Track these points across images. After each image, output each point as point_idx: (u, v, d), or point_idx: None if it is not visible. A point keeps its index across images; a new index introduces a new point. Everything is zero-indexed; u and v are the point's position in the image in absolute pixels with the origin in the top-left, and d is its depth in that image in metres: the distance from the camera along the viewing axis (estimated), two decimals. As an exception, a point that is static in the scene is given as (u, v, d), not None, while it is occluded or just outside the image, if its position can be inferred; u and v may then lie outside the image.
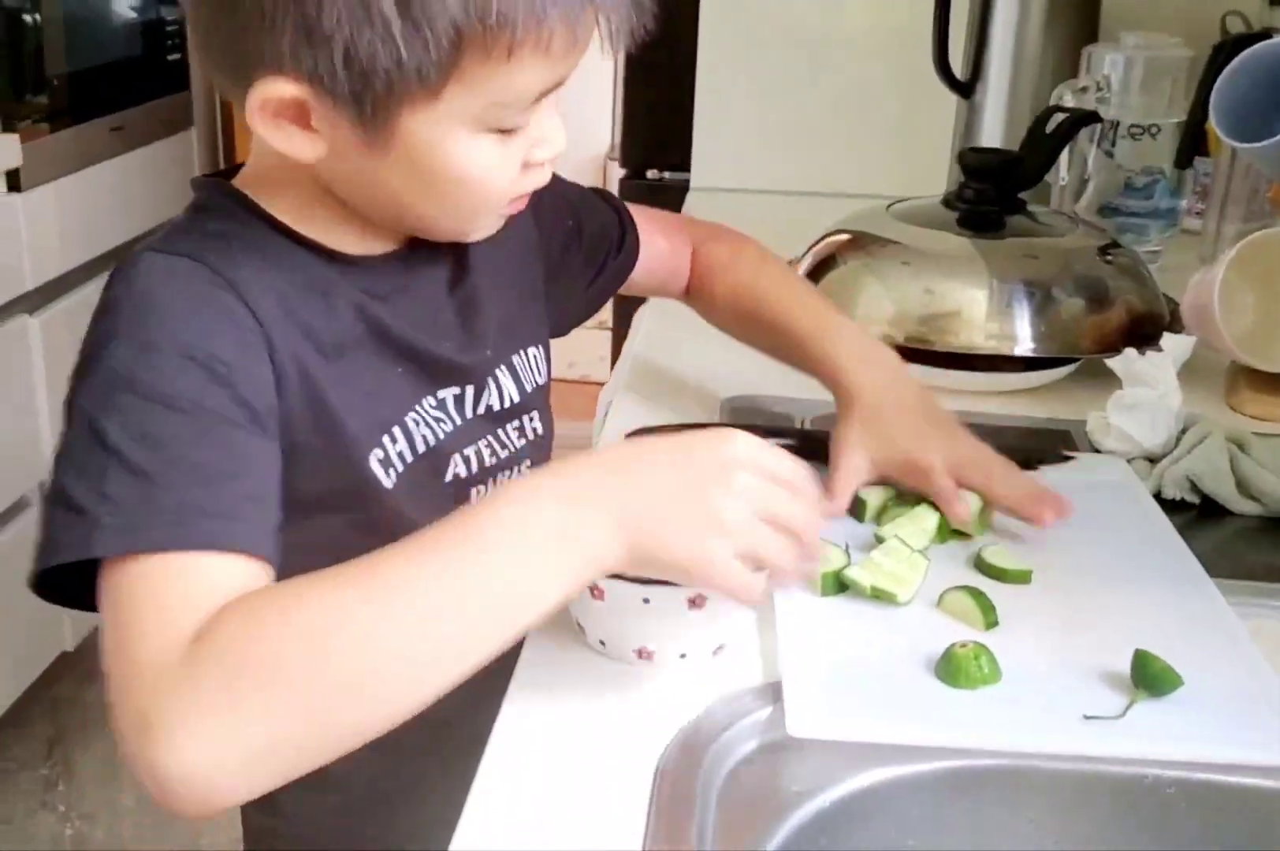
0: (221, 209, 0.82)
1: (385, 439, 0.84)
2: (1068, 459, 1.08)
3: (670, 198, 1.89)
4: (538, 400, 0.96)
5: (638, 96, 2.07)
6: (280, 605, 0.66)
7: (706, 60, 1.91)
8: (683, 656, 0.79)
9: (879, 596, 0.87)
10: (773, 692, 0.77)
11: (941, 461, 0.95)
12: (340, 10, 0.70)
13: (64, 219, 2.27)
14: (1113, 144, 1.62)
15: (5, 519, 2.15)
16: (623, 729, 0.75)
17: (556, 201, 1.02)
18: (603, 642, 0.80)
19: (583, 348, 3.91)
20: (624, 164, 2.04)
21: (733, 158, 1.92)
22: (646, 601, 0.76)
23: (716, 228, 1.18)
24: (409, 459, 0.85)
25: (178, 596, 0.67)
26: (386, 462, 0.84)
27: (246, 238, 0.80)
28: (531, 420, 0.95)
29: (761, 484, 0.70)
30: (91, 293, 2.25)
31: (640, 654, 0.79)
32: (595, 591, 0.77)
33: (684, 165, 1.94)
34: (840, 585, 0.87)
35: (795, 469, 0.72)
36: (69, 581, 0.69)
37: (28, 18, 2.13)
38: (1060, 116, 1.45)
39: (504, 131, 0.78)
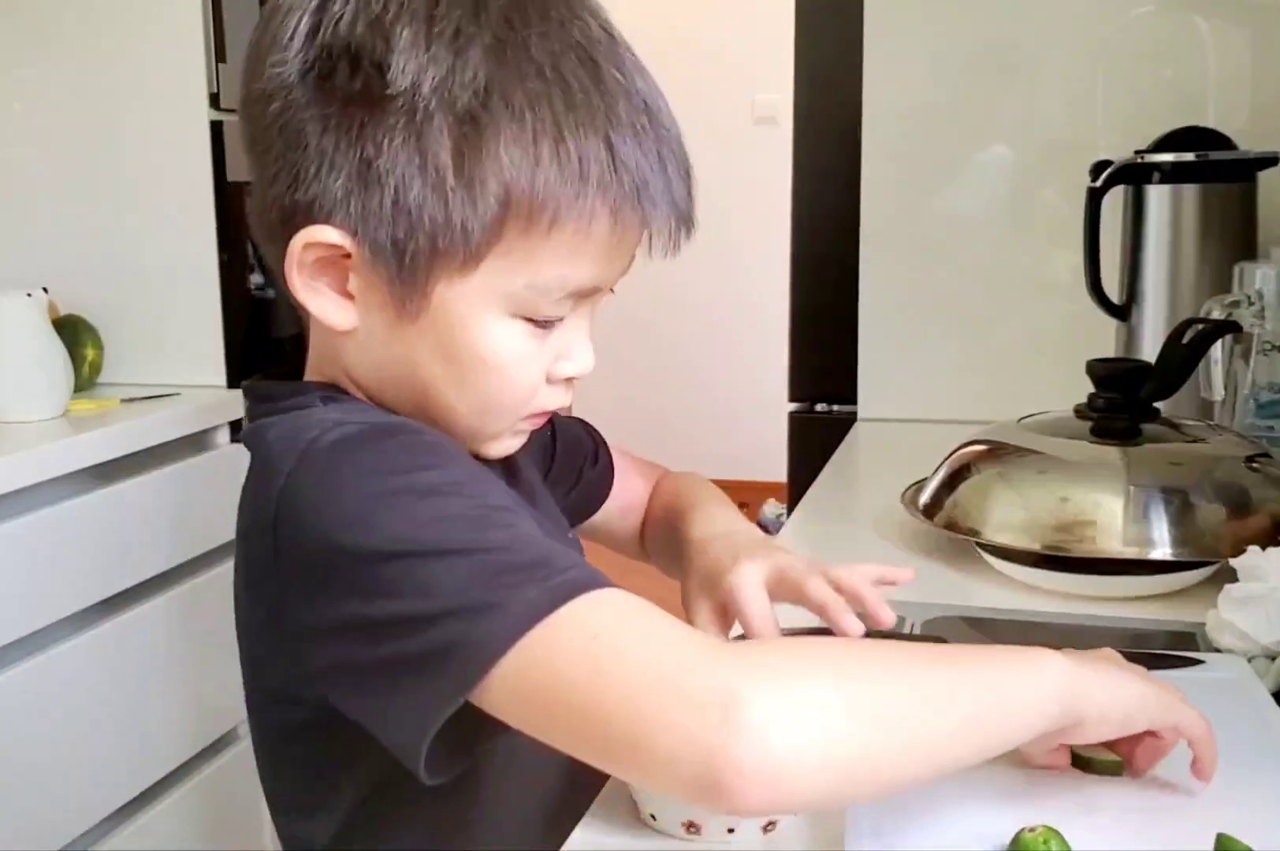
0: (310, 392, 0.80)
1: None
2: (1192, 662, 1.04)
3: (840, 428, 1.93)
4: None
5: (806, 337, 2.16)
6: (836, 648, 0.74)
7: (868, 301, 1.98)
8: (730, 831, 0.79)
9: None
10: (825, 870, 0.76)
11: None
12: (399, 153, 0.70)
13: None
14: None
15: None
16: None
17: None
18: (653, 816, 0.80)
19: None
20: (793, 398, 2.11)
21: (896, 390, 1.97)
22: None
23: (664, 469, 1.16)
24: None
25: (639, 621, 0.66)
26: None
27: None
28: None
29: None
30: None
31: (688, 827, 0.79)
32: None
33: (850, 398, 1.99)
34: None
35: None
36: None
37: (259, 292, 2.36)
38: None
39: (537, 324, 0.77)
